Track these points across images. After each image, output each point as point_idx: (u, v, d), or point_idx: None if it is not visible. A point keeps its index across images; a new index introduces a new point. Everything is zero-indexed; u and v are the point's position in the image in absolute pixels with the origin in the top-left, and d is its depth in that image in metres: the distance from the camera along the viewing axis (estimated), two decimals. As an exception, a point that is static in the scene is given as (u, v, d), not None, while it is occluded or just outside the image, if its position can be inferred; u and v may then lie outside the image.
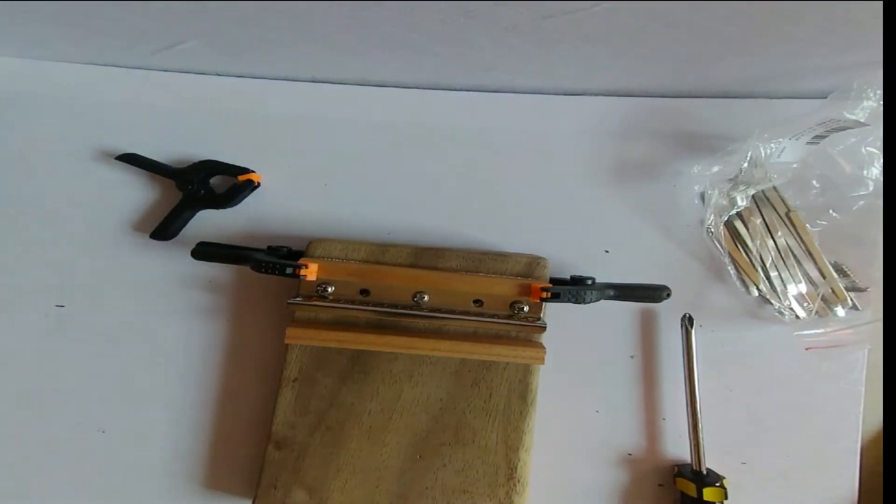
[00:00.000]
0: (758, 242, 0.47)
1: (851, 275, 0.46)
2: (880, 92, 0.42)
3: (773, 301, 0.46)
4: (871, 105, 0.42)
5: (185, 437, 0.47)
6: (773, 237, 0.47)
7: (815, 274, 0.46)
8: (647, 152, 0.50)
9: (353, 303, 0.44)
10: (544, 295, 0.42)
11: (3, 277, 0.50)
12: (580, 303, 0.42)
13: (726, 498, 0.42)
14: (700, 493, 0.42)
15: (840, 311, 0.46)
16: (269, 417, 0.43)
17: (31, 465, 0.47)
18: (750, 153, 0.44)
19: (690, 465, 0.44)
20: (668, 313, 0.47)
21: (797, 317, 0.45)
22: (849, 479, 0.45)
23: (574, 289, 0.42)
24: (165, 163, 0.50)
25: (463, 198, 0.50)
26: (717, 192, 0.46)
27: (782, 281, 0.46)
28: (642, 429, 0.46)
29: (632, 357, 0.47)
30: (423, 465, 0.42)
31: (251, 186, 0.49)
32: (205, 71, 0.53)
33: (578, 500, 0.46)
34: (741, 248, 0.47)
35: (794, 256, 0.46)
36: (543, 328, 0.44)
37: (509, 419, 0.42)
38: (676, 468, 0.45)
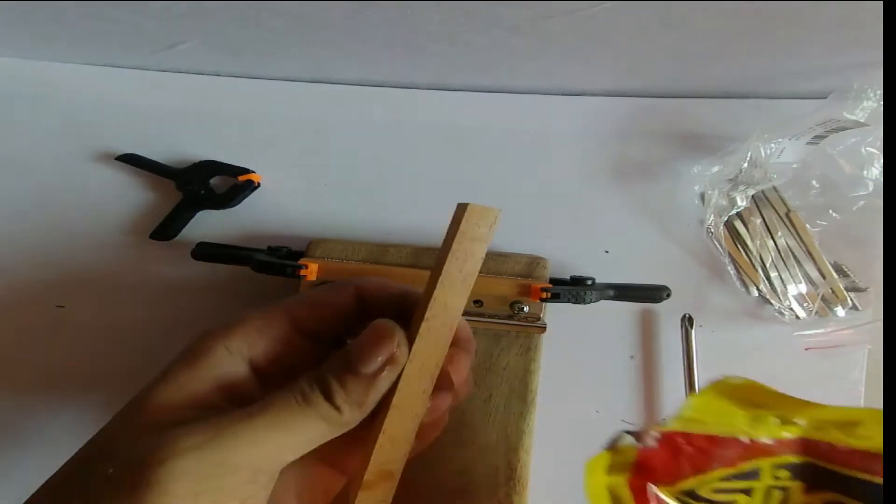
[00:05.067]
0: (758, 242, 0.47)
1: (851, 275, 0.46)
2: (880, 92, 0.42)
3: (773, 301, 0.46)
4: (871, 105, 0.42)
5: (185, 437, 0.47)
6: (773, 237, 0.47)
7: (815, 274, 0.46)
8: (647, 152, 0.50)
9: (353, 303, 0.44)
10: (544, 295, 0.42)
11: (3, 278, 0.50)
12: (580, 303, 0.42)
13: (726, 498, 0.42)
14: (700, 494, 0.42)
15: (840, 311, 0.46)
16: (269, 417, 0.43)
17: (31, 466, 0.47)
18: (750, 153, 0.44)
19: (690, 465, 0.44)
20: (668, 313, 0.47)
21: (797, 317, 0.45)
22: (849, 479, 0.45)
23: (574, 289, 0.42)
24: (165, 163, 0.50)
25: (463, 198, 0.50)
26: (716, 192, 0.46)
27: (782, 281, 0.46)
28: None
29: (632, 357, 0.47)
30: (422, 466, 0.42)
31: (251, 187, 0.49)
32: (205, 71, 0.53)
33: (578, 500, 0.46)
34: (741, 249, 0.47)
35: (794, 256, 0.46)
36: (543, 328, 0.44)
37: (509, 420, 0.42)
38: (676, 468, 0.45)
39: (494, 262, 0.45)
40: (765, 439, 0.19)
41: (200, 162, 0.50)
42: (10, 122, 0.52)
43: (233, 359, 0.26)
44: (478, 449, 0.42)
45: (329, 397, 0.24)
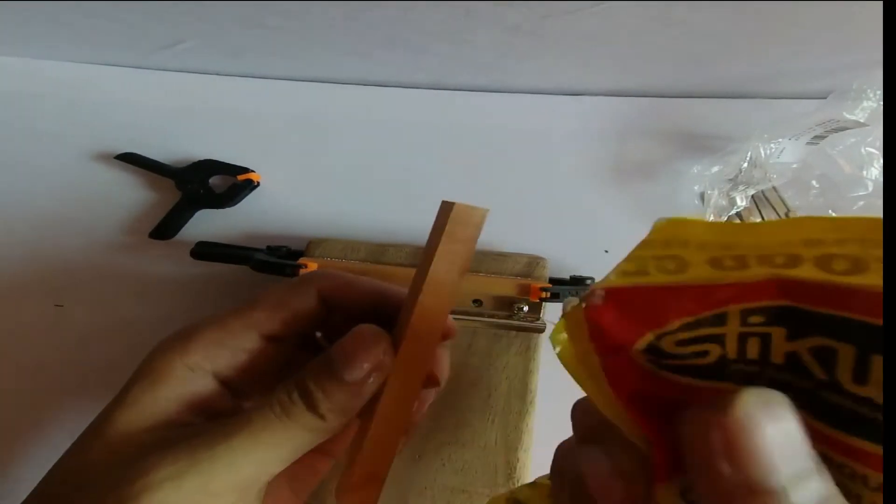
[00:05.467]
0: (757, 243, 0.46)
1: (851, 275, 0.46)
2: (880, 92, 0.42)
3: (772, 301, 0.46)
4: (871, 105, 0.42)
5: (184, 436, 0.47)
6: (772, 237, 0.47)
7: (814, 274, 0.46)
8: (647, 152, 0.50)
9: (352, 302, 0.44)
10: (544, 295, 0.42)
11: (2, 277, 0.50)
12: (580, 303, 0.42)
13: (726, 498, 0.42)
14: (699, 493, 0.42)
15: (840, 312, 0.46)
16: (268, 417, 0.43)
17: (30, 467, 0.47)
18: (750, 153, 0.44)
19: (690, 465, 0.44)
20: (667, 313, 0.47)
21: (797, 317, 0.45)
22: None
23: (574, 289, 0.42)
24: (165, 162, 0.50)
25: (463, 197, 0.50)
26: (716, 192, 0.46)
27: (782, 281, 0.46)
28: (642, 429, 0.46)
29: (631, 357, 0.47)
30: (421, 465, 0.42)
31: (251, 186, 0.49)
32: (205, 71, 0.53)
33: (578, 500, 0.46)
34: (741, 249, 0.47)
35: (794, 257, 0.46)
36: (543, 328, 0.43)
37: (508, 419, 0.42)
38: (676, 468, 0.45)
39: (494, 262, 0.45)
40: (726, 282, 0.15)
41: (200, 161, 0.50)
42: (9, 121, 0.52)
43: (195, 375, 0.26)
44: (477, 448, 0.42)
45: (312, 406, 0.23)
